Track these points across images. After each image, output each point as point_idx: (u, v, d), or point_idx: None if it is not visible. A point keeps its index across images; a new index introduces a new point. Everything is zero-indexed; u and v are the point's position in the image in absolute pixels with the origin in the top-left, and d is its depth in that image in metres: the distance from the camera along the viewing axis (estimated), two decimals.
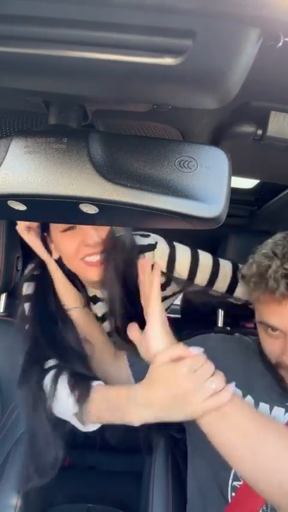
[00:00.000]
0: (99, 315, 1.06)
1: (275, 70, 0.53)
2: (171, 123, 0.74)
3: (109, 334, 1.02)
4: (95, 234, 0.83)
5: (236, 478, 0.80)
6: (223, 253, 1.09)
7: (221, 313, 1.27)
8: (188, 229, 0.57)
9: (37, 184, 0.53)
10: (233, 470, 0.80)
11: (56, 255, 0.92)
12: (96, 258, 0.85)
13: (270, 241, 0.82)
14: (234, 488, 0.80)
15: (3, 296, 1.17)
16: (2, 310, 1.17)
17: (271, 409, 0.82)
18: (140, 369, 0.97)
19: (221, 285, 1.04)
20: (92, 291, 1.04)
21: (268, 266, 0.75)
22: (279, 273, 0.72)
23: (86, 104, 0.59)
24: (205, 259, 1.06)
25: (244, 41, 0.39)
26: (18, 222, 0.89)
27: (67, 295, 0.93)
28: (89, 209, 0.56)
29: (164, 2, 0.35)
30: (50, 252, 0.92)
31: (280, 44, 0.41)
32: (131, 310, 0.92)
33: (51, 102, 0.59)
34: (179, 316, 2.41)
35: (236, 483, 0.80)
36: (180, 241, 2.01)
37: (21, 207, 0.58)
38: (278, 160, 0.82)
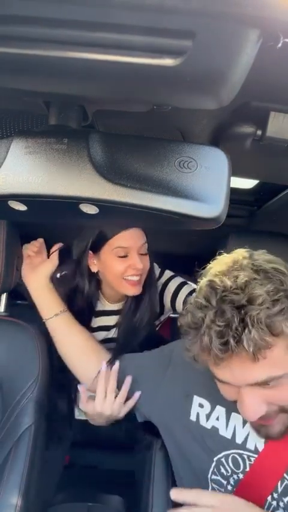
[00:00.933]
0: (95, 325, 1.25)
1: (274, 70, 0.53)
2: (171, 124, 0.74)
3: (104, 341, 1.21)
4: (140, 262, 1.08)
5: (215, 472, 0.80)
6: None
7: None
8: (188, 229, 0.57)
9: (37, 185, 0.53)
10: (211, 467, 0.80)
11: (95, 269, 1.15)
12: (137, 278, 1.10)
13: (204, 281, 0.67)
14: (214, 480, 0.80)
15: (4, 296, 1.17)
16: (2, 310, 1.16)
17: (245, 422, 0.76)
18: (126, 367, 0.98)
19: None
20: (107, 306, 1.24)
21: (202, 319, 0.62)
22: (212, 330, 0.60)
23: (86, 104, 0.59)
24: (186, 288, 1.26)
25: (244, 42, 0.40)
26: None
27: (45, 304, 1.08)
28: (89, 209, 0.56)
29: (164, 3, 0.35)
30: (85, 265, 1.15)
31: (280, 45, 0.41)
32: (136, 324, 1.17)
33: (52, 102, 0.59)
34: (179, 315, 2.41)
35: (214, 476, 0.80)
36: (181, 241, 2.01)
37: (21, 207, 0.58)
38: (278, 161, 0.82)
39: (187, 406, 0.85)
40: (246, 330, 0.57)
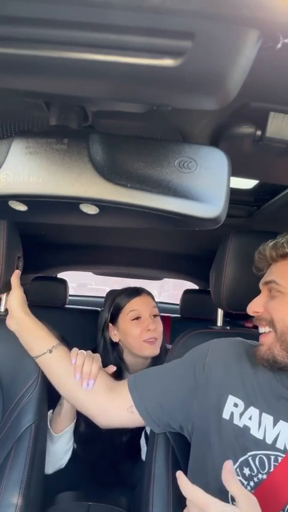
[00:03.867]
0: None
1: (274, 71, 0.53)
2: (171, 124, 0.74)
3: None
4: (152, 323, 1.28)
5: (237, 473, 0.79)
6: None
7: (220, 313, 1.27)
8: (188, 229, 0.57)
9: (38, 185, 0.53)
10: (235, 466, 0.79)
11: (117, 339, 1.33)
12: (155, 338, 1.27)
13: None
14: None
15: (4, 296, 1.17)
16: (2, 310, 1.17)
17: (275, 422, 0.79)
18: (143, 394, 0.93)
19: None
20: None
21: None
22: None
23: (86, 104, 0.59)
24: None
25: (243, 43, 0.40)
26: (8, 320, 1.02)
27: (35, 342, 0.98)
28: (90, 209, 0.56)
29: (163, 4, 0.35)
30: (108, 337, 1.34)
31: (279, 46, 0.41)
32: None
33: (52, 103, 0.59)
34: (179, 315, 2.42)
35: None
36: (181, 241, 2.00)
37: (22, 207, 0.59)
38: (277, 161, 0.82)
39: (221, 404, 0.86)
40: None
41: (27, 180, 0.53)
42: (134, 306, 1.29)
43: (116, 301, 1.33)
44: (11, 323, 1.00)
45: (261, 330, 0.85)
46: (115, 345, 1.34)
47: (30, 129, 0.77)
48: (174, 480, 0.96)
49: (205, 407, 0.88)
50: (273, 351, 0.80)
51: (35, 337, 0.98)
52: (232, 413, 0.84)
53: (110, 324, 1.34)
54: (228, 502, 0.77)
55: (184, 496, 0.67)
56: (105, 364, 1.09)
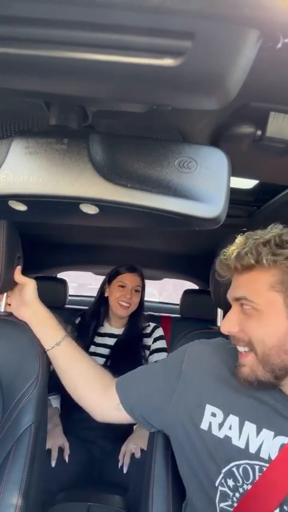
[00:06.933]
0: (101, 342, 1.78)
1: (274, 71, 0.53)
2: (171, 124, 0.74)
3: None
4: (130, 294, 1.76)
5: (222, 483, 0.78)
6: None
7: (220, 313, 1.27)
8: (188, 229, 0.57)
9: (38, 185, 0.53)
10: (219, 478, 0.78)
11: (106, 294, 1.81)
12: (126, 305, 1.76)
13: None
14: (221, 491, 0.78)
15: (4, 296, 1.17)
16: (2, 310, 1.17)
17: (259, 430, 0.76)
18: (128, 393, 0.94)
19: None
20: (110, 329, 1.82)
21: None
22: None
23: (86, 104, 0.59)
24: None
25: (243, 43, 0.40)
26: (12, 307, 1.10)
27: (47, 332, 1.04)
28: (89, 209, 0.56)
29: (164, 4, 0.35)
30: (104, 290, 1.84)
31: (279, 46, 0.41)
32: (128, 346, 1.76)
33: (52, 103, 0.59)
34: (178, 316, 2.42)
35: (221, 488, 0.78)
36: (180, 241, 2.01)
37: (21, 207, 0.58)
38: (277, 161, 0.82)
39: (198, 414, 0.83)
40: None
41: (27, 180, 0.53)
42: (125, 278, 1.78)
43: (116, 269, 1.80)
44: (25, 313, 1.04)
45: (240, 349, 0.78)
46: (106, 299, 1.81)
47: (30, 129, 0.77)
48: (174, 480, 0.96)
49: (181, 417, 0.86)
50: (256, 372, 0.75)
51: (49, 327, 1.04)
52: (210, 424, 0.82)
53: (107, 283, 1.83)
54: (216, 509, 0.76)
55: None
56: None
